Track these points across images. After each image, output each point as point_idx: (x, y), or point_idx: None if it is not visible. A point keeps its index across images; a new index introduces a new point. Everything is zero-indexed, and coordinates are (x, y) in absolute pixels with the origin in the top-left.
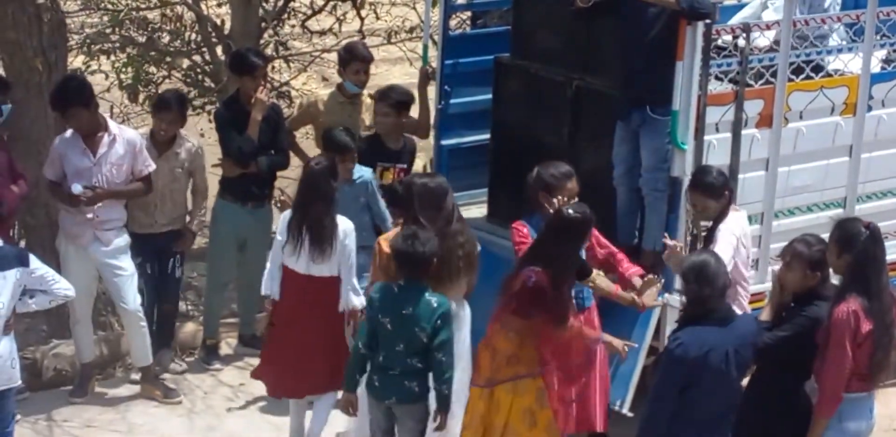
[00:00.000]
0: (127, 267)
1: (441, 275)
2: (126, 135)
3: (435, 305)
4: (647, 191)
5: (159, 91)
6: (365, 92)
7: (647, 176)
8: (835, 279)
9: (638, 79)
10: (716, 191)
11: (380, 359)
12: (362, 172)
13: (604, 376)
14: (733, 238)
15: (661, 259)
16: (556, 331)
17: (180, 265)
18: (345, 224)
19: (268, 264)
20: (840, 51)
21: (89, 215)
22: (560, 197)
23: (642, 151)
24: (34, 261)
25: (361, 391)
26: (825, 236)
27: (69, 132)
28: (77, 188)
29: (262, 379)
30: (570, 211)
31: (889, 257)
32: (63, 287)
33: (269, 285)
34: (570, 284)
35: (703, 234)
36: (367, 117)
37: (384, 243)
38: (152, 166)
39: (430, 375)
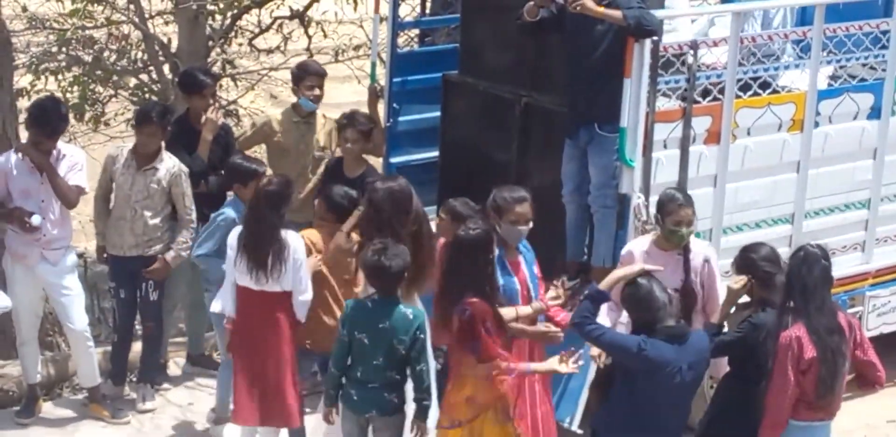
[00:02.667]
0: (73, 287)
1: (417, 277)
2: (70, 152)
3: (411, 317)
4: (595, 208)
5: (105, 110)
6: (318, 112)
7: (595, 193)
8: None
9: (584, 96)
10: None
11: (357, 374)
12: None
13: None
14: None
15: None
16: (477, 368)
17: (155, 289)
18: (293, 239)
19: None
20: (787, 67)
21: (36, 236)
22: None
23: (591, 168)
24: None
25: None
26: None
27: (13, 151)
28: (37, 220)
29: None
30: (469, 231)
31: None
32: None
33: (224, 305)
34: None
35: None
36: (321, 137)
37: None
38: (85, 186)
39: (408, 386)
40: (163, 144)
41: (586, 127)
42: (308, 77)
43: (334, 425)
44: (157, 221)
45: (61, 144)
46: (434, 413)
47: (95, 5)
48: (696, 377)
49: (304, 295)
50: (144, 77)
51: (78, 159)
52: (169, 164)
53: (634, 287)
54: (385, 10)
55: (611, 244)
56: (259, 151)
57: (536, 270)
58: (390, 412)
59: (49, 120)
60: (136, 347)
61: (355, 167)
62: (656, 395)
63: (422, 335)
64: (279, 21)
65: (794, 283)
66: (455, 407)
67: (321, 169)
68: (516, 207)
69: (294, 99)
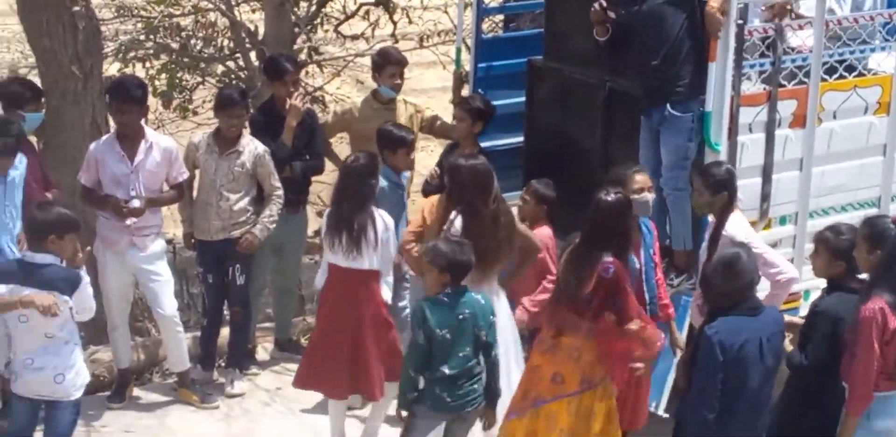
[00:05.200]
0: (163, 273)
1: (494, 258)
2: (162, 142)
3: (483, 302)
4: (668, 190)
5: (192, 97)
6: (399, 97)
7: (667, 175)
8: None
9: (656, 76)
10: (716, 185)
11: (446, 372)
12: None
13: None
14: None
15: (692, 258)
16: (626, 329)
17: (241, 273)
18: (385, 219)
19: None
20: (873, 50)
21: (128, 222)
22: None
23: (662, 149)
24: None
25: None
26: None
27: (106, 137)
28: (136, 203)
29: (306, 386)
30: (609, 195)
31: None
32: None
33: (319, 279)
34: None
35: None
36: (402, 123)
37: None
38: (186, 174)
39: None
40: (246, 125)
41: (658, 108)
42: (388, 65)
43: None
44: (243, 203)
45: (151, 133)
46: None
47: None
48: (776, 352)
49: (389, 276)
50: (231, 64)
51: (173, 150)
52: (251, 146)
53: (735, 257)
54: None
55: (689, 227)
56: (343, 139)
57: (655, 253)
58: (478, 405)
59: (126, 88)
60: (225, 332)
61: (467, 147)
62: (745, 376)
63: (493, 318)
64: (364, 7)
65: (895, 256)
66: (542, 382)
67: None
68: (636, 175)
69: (375, 85)
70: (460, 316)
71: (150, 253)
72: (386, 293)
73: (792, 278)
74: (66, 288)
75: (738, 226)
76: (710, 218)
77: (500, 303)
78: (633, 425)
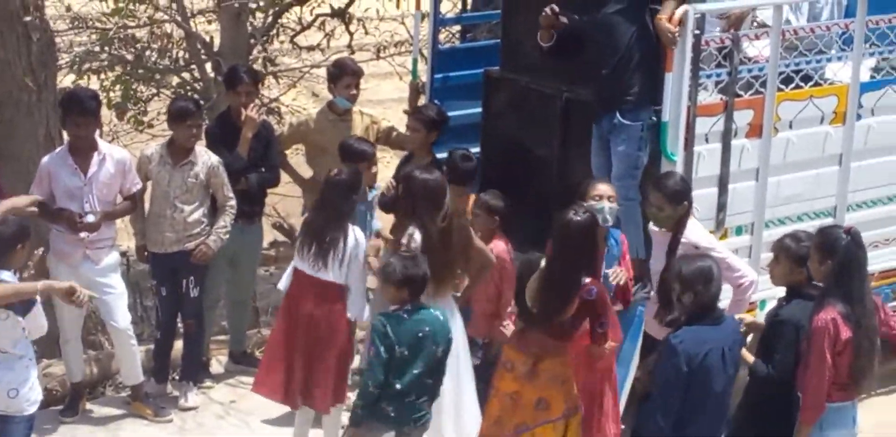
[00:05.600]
0: (117, 285)
1: (447, 276)
2: (115, 154)
3: (442, 318)
4: (618, 200)
5: (147, 109)
6: (355, 108)
7: (617, 184)
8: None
9: (606, 84)
10: (676, 196)
11: (397, 388)
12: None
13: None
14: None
15: (645, 267)
16: (598, 350)
17: (195, 285)
18: (357, 236)
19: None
20: (829, 60)
21: (82, 236)
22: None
23: (613, 158)
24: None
25: None
26: None
27: (58, 150)
28: (90, 218)
29: (262, 391)
30: (577, 215)
31: (881, 266)
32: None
33: (286, 283)
34: None
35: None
36: (358, 134)
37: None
38: (140, 185)
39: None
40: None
41: (608, 115)
42: (344, 76)
43: None
44: (197, 215)
45: (104, 144)
46: (474, 413)
47: (137, 4)
48: (736, 361)
49: (365, 294)
50: (187, 76)
51: (126, 161)
52: (204, 157)
53: (706, 265)
54: (426, 6)
55: (640, 236)
56: (299, 151)
57: (622, 265)
58: (425, 422)
59: (81, 100)
60: (178, 345)
61: (422, 157)
62: (708, 386)
63: (451, 335)
64: (321, 18)
65: (847, 265)
66: (525, 409)
67: None
68: (599, 184)
69: (331, 97)
70: (420, 334)
71: (104, 266)
72: (358, 311)
73: (753, 281)
74: (19, 308)
75: (698, 232)
76: (654, 227)
77: (454, 318)
78: None
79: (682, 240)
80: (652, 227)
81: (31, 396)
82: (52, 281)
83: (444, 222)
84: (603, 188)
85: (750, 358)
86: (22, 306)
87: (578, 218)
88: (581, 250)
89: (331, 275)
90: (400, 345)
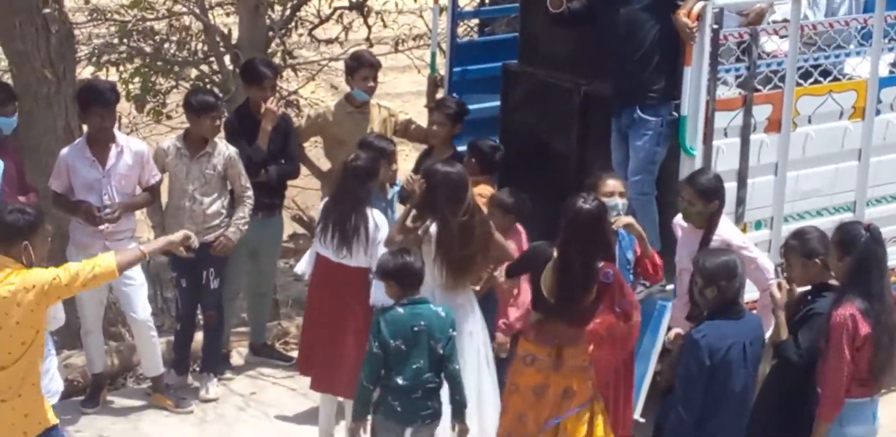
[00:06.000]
0: (136, 277)
1: (468, 269)
2: (133, 145)
3: (443, 314)
4: (633, 194)
5: (166, 101)
6: (373, 101)
7: (632, 179)
8: None
9: (629, 79)
10: (707, 193)
11: (399, 382)
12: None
13: (629, 382)
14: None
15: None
16: (621, 328)
17: (216, 277)
18: (377, 219)
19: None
20: (848, 55)
21: (101, 227)
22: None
23: (630, 152)
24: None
25: None
26: None
27: (76, 142)
28: (108, 212)
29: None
30: (586, 204)
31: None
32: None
33: (304, 267)
34: None
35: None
36: (376, 126)
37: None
38: (158, 176)
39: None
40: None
41: (628, 110)
42: (362, 68)
43: None
44: (216, 206)
45: (121, 136)
46: (496, 407)
47: None
48: (757, 356)
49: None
50: (205, 68)
51: (144, 153)
52: (221, 148)
53: (730, 259)
54: None
55: (655, 230)
56: (317, 143)
57: (636, 254)
58: (433, 419)
59: (101, 92)
60: (199, 336)
61: (443, 151)
62: (729, 380)
63: (454, 333)
64: (339, 11)
65: (867, 261)
66: (551, 401)
67: None
68: (609, 180)
69: (349, 89)
70: (415, 328)
71: None
72: (383, 296)
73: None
74: None
75: (732, 231)
76: (681, 221)
77: (474, 312)
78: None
79: (715, 238)
80: (682, 222)
81: (51, 386)
82: (169, 236)
83: (465, 216)
84: (613, 184)
85: (784, 334)
86: None
87: (588, 206)
88: (594, 236)
89: (355, 261)
90: (395, 339)
